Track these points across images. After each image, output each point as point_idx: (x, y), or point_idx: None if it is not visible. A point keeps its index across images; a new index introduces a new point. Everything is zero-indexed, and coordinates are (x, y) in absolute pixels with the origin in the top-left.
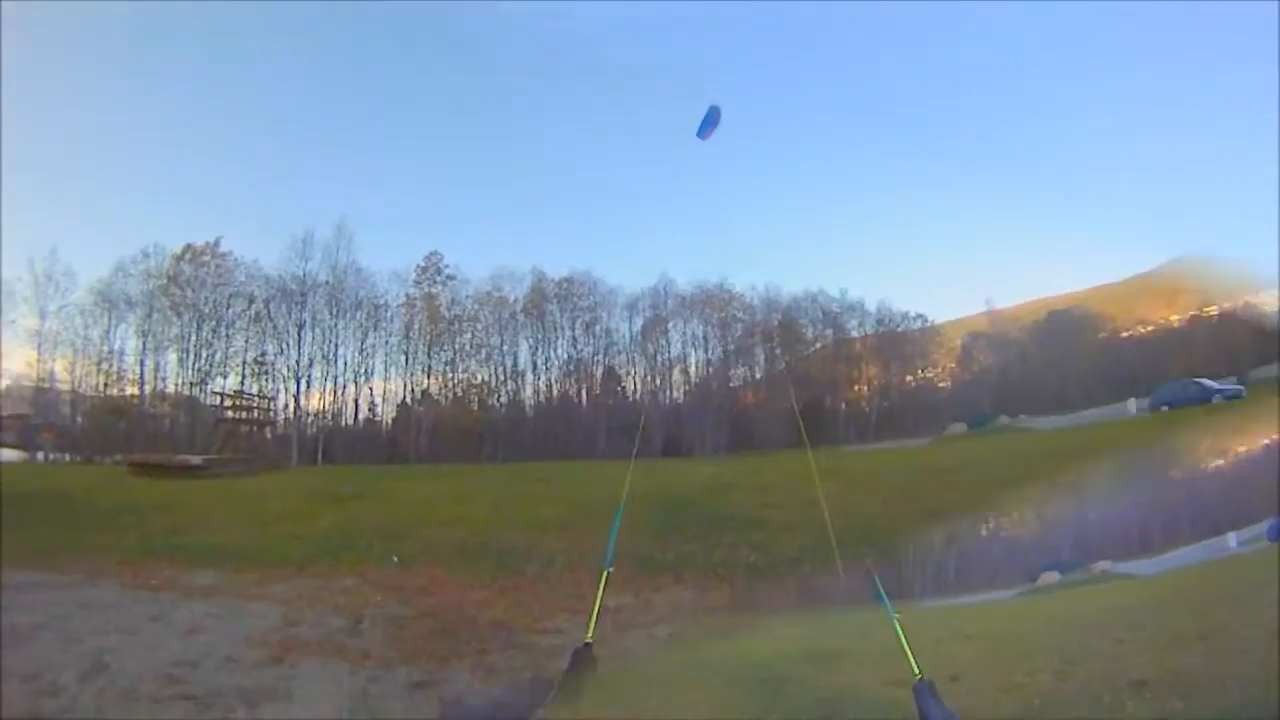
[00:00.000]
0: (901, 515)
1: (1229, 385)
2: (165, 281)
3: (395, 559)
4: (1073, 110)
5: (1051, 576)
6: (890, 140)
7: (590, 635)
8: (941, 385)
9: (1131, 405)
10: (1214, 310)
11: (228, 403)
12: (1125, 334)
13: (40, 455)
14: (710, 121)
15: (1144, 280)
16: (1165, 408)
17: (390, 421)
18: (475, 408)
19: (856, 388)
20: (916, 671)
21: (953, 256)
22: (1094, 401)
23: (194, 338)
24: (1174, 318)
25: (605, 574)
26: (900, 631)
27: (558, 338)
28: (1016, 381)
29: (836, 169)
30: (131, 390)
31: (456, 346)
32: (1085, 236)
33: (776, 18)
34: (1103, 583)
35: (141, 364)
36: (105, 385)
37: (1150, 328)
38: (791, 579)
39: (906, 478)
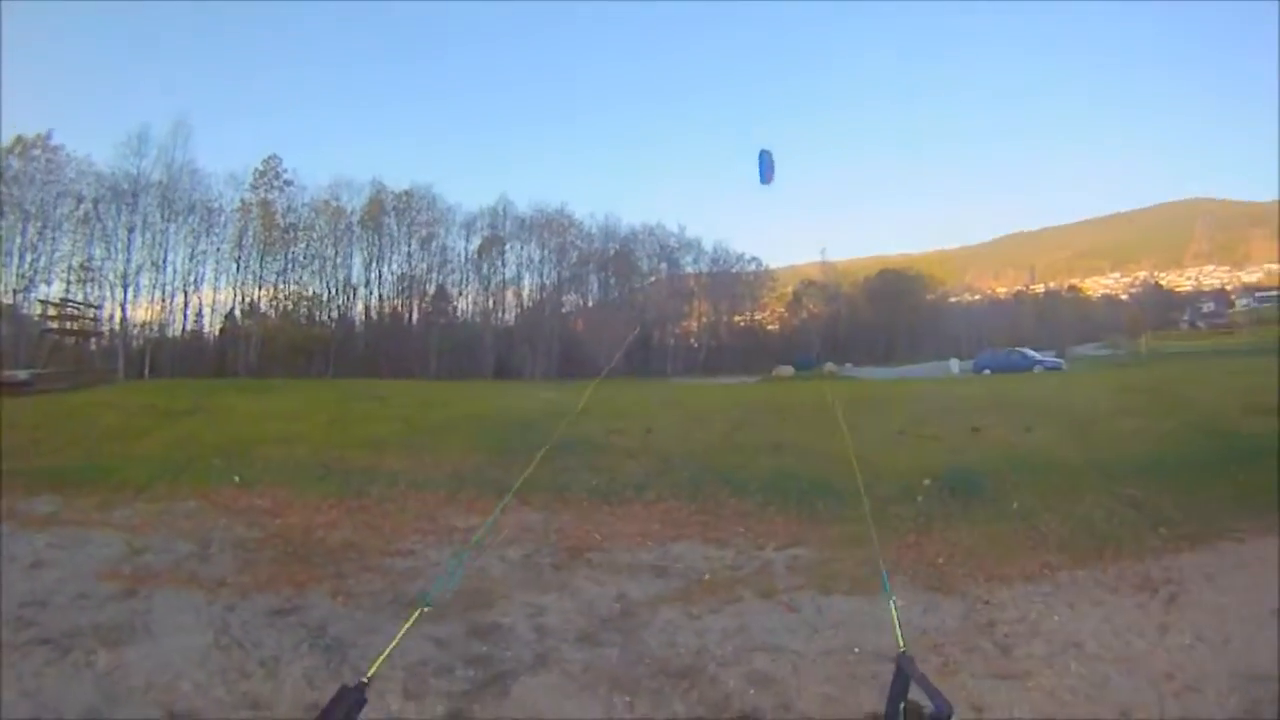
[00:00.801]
0: (739, 445)
1: (1049, 358)
2: None
3: (237, 479)
4: (917, 81)
5: (785, 370)
6: (732, 84)
7: (369, 677)
8: (770, 328)
9: (954, 365)
10: (1040, 288)
11: (52, 312)
12: (953, 299)
13: None
14: (767, 167)
15: (974, 251)
16: (987, 371)
17: (218, 333)
18: (306, 322)
19: (687, 323)
20: (901, 645)
21: (790, 206)
22: (917, 358)
23: (18, 240)
24: (1001, 290)
25: (419, 612)
26: (893, 607)
27: (393, 252)
28: (845, 331)
29: (682, 106)
30: None
31: (290, 256)
32: (921, 203)
33: None
34: (824, 379)
35: None
36: None
37: (977, 296)
38: (638, 503)
39: (742, 412)
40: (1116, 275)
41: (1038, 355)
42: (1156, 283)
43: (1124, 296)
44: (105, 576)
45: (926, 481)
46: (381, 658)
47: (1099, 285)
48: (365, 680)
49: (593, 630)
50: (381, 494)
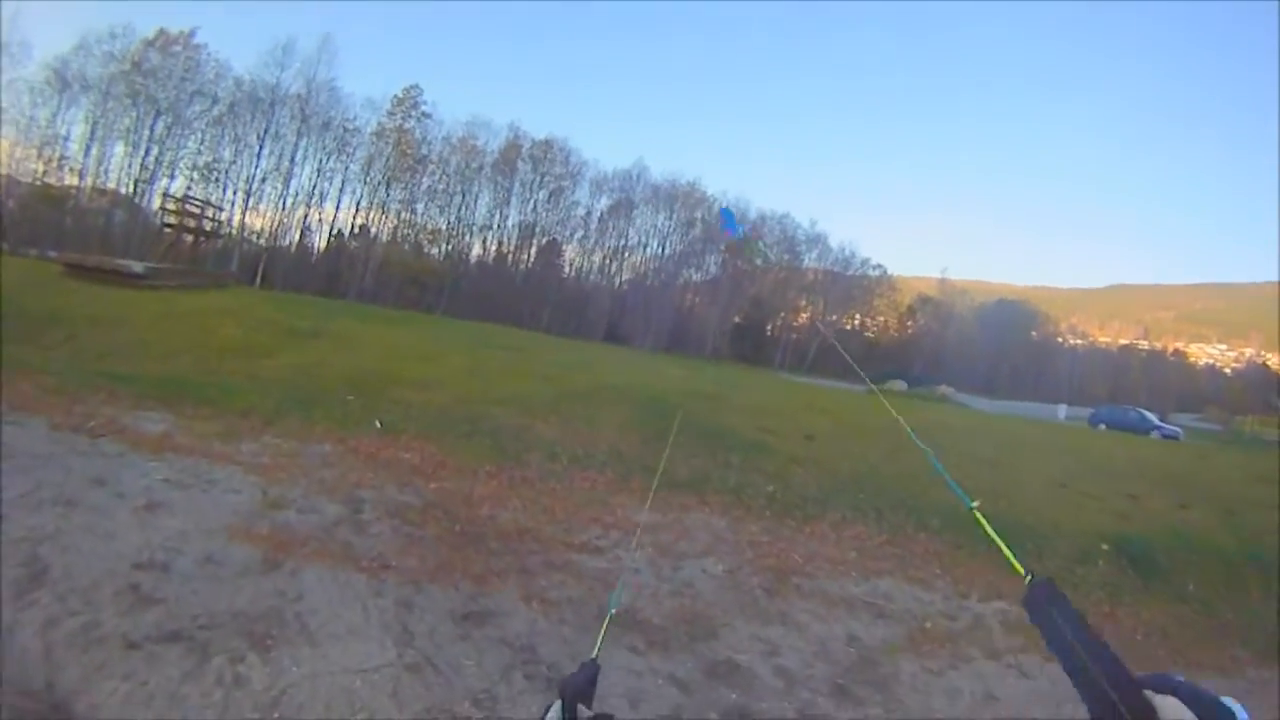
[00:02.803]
0: (907, 469)
1: (1169, 426)
2: (129, 67)
3: (378, 424)
4: (1055, 122)
5: (898, 385)
6: (881, 83)
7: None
8: (870, 335)
9: (1061, 411)
10: (1145, 345)
11: (173, 207)
12: (1059, 340)
13: None
14: (733, 226)
15: (1082, 295)
16: (1102, 426)
17: (323, 250)
18: (425, 254)
19: (802, 317)
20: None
21: (918, 216)
22: (1018, 393)
23: (147, 133)
24: (1103, 339)
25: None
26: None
27: (525, 200)
28: (951, 353)
29: (833, 101)
30: (71, 181)
31: (417, 187)
32: (1040, 237)
33: None
34: (940, 401)
35: (86, 153)
36: (44, 172)
37: (1080, 341)
38: (823, 523)
39: (893, 431)
40: (1223, 347)
41: (1156, 420)
42: (1264, 363)
43: (1228, 371)
44: (239, 535)
45: (1104, 546)
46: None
47: (1203, 353)
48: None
49: (842, 681)
50: (542, 467)
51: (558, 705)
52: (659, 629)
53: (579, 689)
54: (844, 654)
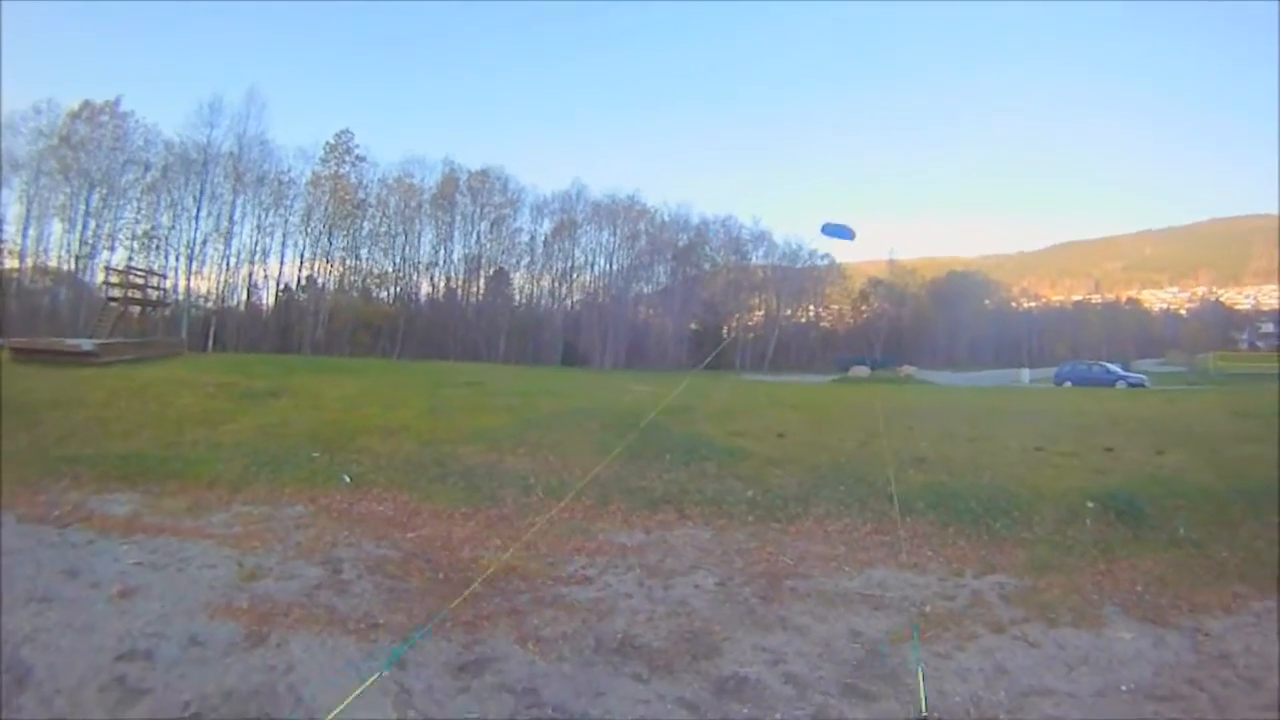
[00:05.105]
0: (880, 456)
1: (1134, 374)
2: (57, 142)
3: (348, 479)
4: (986, 94)
5: (862, 371)
6: (815, 87)
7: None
8: (824, 325)
9: (1025, 375)
10: (1099, 299)
11: (117, 279)
12: (1013, 305)
13: None
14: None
15: (1031, 258)
16: (1068, 384)
17: (273, 305)
18: (375, 298)
19: (755, 315)
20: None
21: (860, 201)
22: (979, 363)
23: (83, 207)
24: (1056, 298)
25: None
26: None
27: (464, 233)
28: (908, 332)
29: (762, 100)
30: (11, 263)
31: (359, 232)
32: (982, 208)
33: None
34: (904, 383)
35: (24, 233)
36: None
37: (1034, 303)
38: (808, 520)
39: (860, 418)
40: (1174, 290)
41: (1121, 371)
42: (1217, 299)
43: (1183, 312)
44: (219, 612)
45: (1090, 504)
46: None
47: (1156, 299)
48: None
49: (852, 679)
50: (519, 501)
51: None
52: (660, 652)
53: None
54: (850, 651)
